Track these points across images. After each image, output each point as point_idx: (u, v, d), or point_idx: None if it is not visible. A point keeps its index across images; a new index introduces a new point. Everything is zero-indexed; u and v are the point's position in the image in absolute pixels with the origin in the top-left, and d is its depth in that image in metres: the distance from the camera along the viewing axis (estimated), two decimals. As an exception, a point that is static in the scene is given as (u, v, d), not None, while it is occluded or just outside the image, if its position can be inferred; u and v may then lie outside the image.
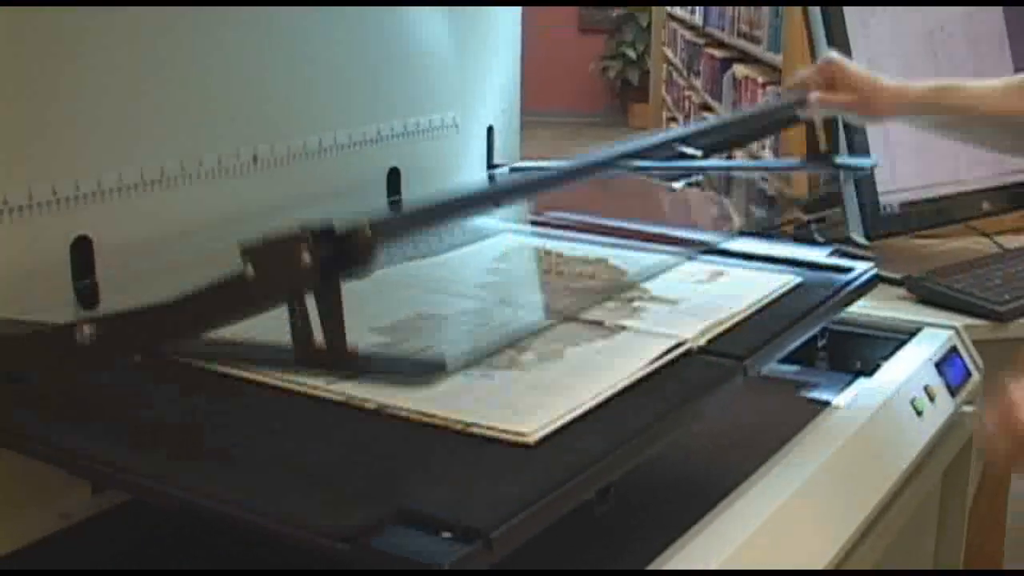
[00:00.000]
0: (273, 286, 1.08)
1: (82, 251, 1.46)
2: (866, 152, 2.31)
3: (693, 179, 1.99)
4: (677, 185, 1.94)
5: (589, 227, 2.03)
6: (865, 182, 2.35)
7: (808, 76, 1.86)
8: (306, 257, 1.05)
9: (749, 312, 1.57)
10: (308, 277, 1.06)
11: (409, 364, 1.22)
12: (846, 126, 2.21)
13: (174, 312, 1.15)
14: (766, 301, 1.62)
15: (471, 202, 1.22)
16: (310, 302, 1.09)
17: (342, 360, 1.10)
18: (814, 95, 1.82)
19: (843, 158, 2.12)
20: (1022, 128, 1.85)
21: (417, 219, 1.14)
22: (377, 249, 1.08)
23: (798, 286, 1.69)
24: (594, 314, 1.54)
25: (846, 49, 2.33)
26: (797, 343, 1.59)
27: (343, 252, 1.07)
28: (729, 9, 5.76)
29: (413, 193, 2.00)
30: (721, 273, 1.75)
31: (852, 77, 1.83)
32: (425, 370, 1.16)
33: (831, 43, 2.32)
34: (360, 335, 1.44)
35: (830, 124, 1.97)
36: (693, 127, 1.93)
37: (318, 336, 1.09)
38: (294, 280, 1.07)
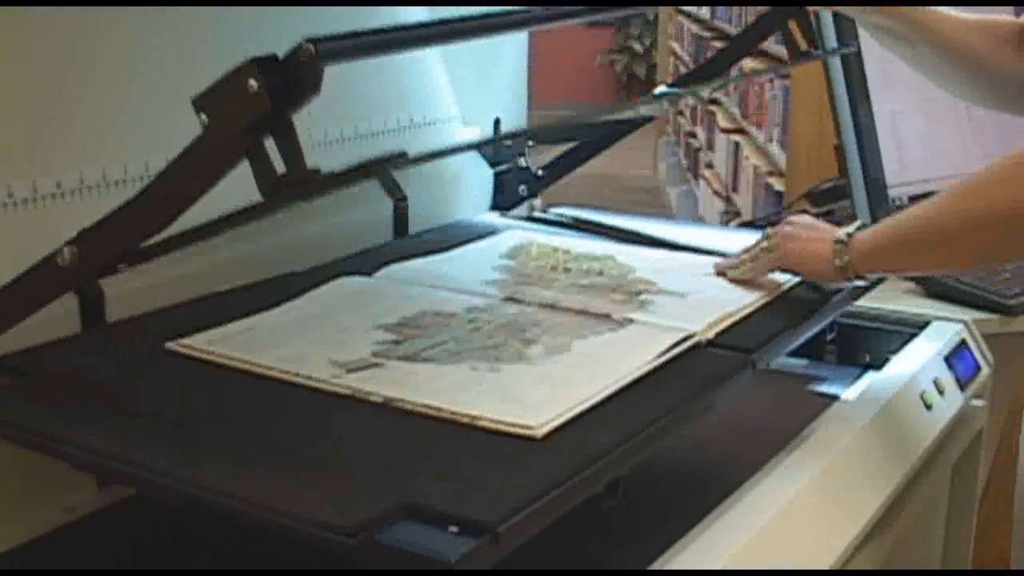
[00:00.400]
0: (228, 126, 1.09)
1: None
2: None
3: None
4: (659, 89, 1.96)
5: (596, 226, 2.03)
6: (873, 173, 2.34)
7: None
8: (253, 84, 1.05)
9: (757, 305, 1.57)
10: (259, 106, 1.07)
11: (371, 161, 1.20)
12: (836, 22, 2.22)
13: (146, 199, 1.17)
14: (775, 294, 1.61)
15: (419, 31, 1.23)
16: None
17: (305, 181, 1.10)
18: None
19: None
20: (976, 70, 1.80)
21: (361, 40, 1.14)
22: (322, 69, 1.08)
23: (801, 282, 1.68)
24: (602, 308, 1.53)
25: (855, 38, 2.32)
26: (806, 337, 1.59)
27: (290, 75, 1.07)
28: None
29: (419, 186, 1.99)
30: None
31: None
32: (387, 160, 1.16)
33: (840, 37, 2.32)
34: (368, 332, 1.44)
35: (806, 22, 1.95)
36: None
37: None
38: (246, 112, 1.08)
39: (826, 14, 2.25)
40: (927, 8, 1.77)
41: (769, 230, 1.67)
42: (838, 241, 1.57)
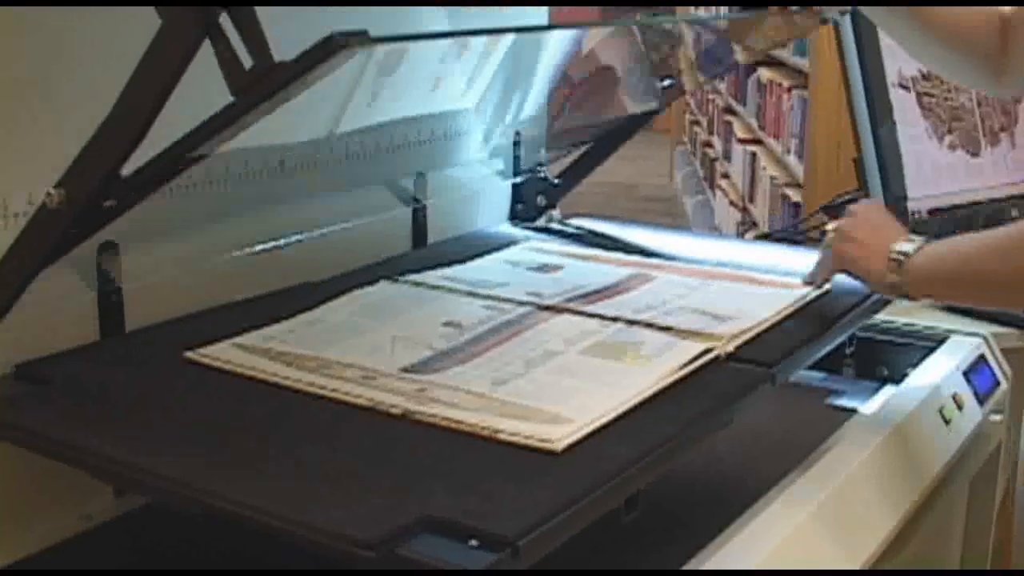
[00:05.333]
0: (186, 14, 1.08)
1: (108, 255, 1.45)
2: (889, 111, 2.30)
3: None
4: None
5: (612, 240, 2.03)
6: (893, 188, 2.34)
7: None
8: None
9: (777, 319, 1.56)
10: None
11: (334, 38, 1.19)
12: (867, 89, 2.21)
13: (117, 113, 1.17)
14: (794, 308, 1.61)
15: None
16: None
17: (270, 73, 1.10)
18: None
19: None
20: (971, 50, 1.79)
21: None
22: None
23: (825, 293, 1.67)
24: (623, 321, 1.53)
25: (875, 49, 2.32)
26: (825, 351, 1.58)
27: None
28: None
29: (439, 198, 1.99)
30: (749, 280, 1.74)
31: None
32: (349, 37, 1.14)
33: (859, 45, 2.31)
34: (390, 342, 1.45)
35: None
36: None
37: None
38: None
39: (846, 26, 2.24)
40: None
41: (832, 224, 1.66)
42: (893, 258, 1.54)
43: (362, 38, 1.11)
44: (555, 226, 2.21)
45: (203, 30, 1.09)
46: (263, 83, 1.10)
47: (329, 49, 1.09)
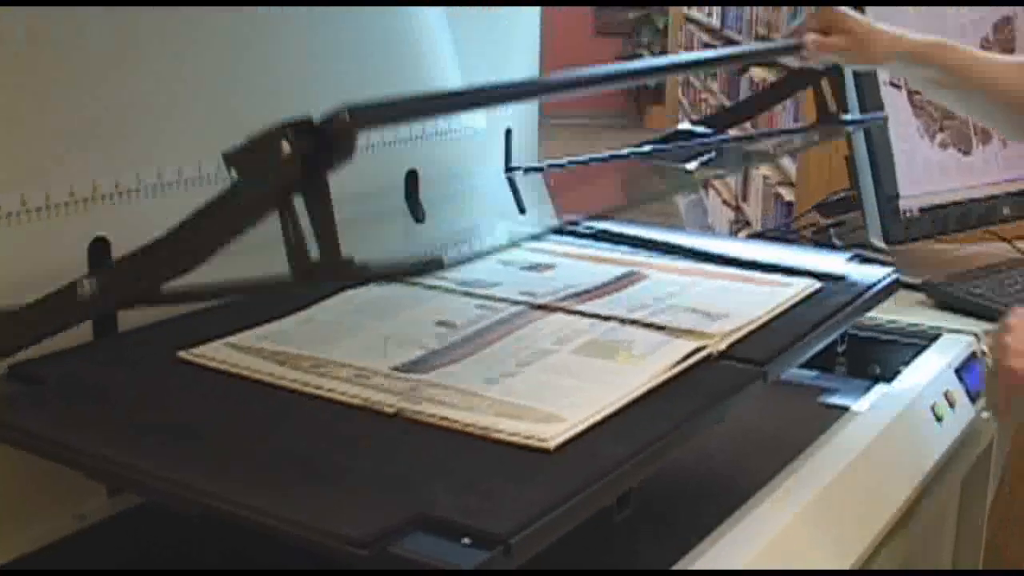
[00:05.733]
0: (258, 186, 1.07)
1: (99, 252, 1.45)
2: (880, 108, 2.31)
3: (706, 158, 1.99)
4: (691, 166, 1.95)
5: (613, 237, 2.03)
6: (885, 186, 2.34)
7: (804, 22, 1.84)
8: (286, 148, 1.04)
9: (769, 317, 1.57)
10: (291, 171, 1.05)
11: (408, 265, 1.20)
12: (858, 86, 2.21)
13: (170, 244, 1.15)
14: (786, 306, 1.61)
15: (453, 98, 1.21)
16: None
17: (339, 269, 1.09)
18: (811, 37, 1.81)
19: (854, 115, 2.11)
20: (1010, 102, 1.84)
21: (396, 107, 1.13)
22: (356, 135, 1.06)
23: (818, 291, 1.68)
24: (615, 319, 1.53)
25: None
26: (817, 348, 1.59)
27: (323, 141, 1.06)
28: (746, 12, 5.75)
29: (431, 195, 1.99)
30: (741, 279, 1.74)
31: (847, 22, 1.82)
32: (423, 268, 1.14)
33: (862, 102, 2.32)
34: (382, 341, 1.45)
35: (836, 84, 1.97)
36: (695, 56, 1.94)
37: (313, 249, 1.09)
38: (278, 176, 1.06)
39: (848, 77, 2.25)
40: (972, 55, 1.81)
41: (988, 335, 1.63)
42: None
43: (437, 261, 1.13)
44: (555, 225, 2.21)
45: (276, 207, 1.09)
46: (327, 275, 1.10)
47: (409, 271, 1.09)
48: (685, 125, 2.08)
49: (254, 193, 1.08)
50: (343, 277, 1.09)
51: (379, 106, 1.10)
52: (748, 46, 1.77)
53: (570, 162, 2.18)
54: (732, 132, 2.13)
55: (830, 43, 1.81)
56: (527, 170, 2.23)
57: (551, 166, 2.24)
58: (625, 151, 2.08)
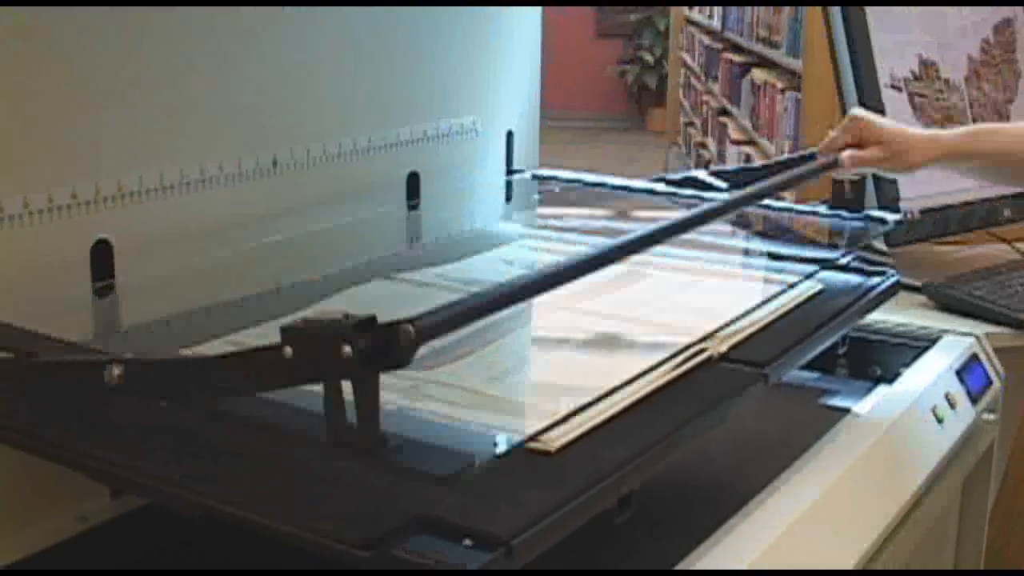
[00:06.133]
0: (310, 371, 1.06)
1: (102, 254, 1.46)
2: (880, 110, 2.31)
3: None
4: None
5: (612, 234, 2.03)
6: (886, 188, 2.34)
7: (837, 137, 1.84)
8: (347, 350, 1.03)
9: (770, 318, 1.57)
10: (347, 369, 1.05)
11: (439, 455, 1.19)
12: (858, 87, 2.22)
13: (206, 370, 1.14)
14: (788, 307, 1.61)
15: (515, 293, 1.18)
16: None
17: (375, 448, 1.08)
18: (846, 154, 1.81)
19: (872, 211, 2.09)
20: None
21: (460, 316, 1.10)
22: (416, 350, 1.05)
23: (819, 292, 1.68)
24: (615, 319, 1.54)
25: (867, 49, 2.32)
26: (818, 350, 1.59)
27: (384, 347, 1.05)
28: (748, 13, 5.75)
29: (432, 197, 2.00)
30: (742, 278, 1.75)
31: (881, 132, 1.82)
32: (451, 468, 1.12)
33: (852, 44, 2.32)
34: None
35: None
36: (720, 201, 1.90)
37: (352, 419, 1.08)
38: (332, 370, 1.05)
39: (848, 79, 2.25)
40: (1009, 133, 1.82)
41: None
42: None
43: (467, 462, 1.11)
44: (556, 223, 2.21)
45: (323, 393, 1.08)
46: (360, 443, 1.09)
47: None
48: (701, 174, 2.09)
49: (304, 374, 1.07)
50: (378, 456, 1.08)
51: (442, 315, 1.08)
52: (782, 176, 1.73)
53: (572, 180, 2.19)
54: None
55: (866, 157, 1.81)
56: (535, 177, 2.23)
57: (568, 180, 2.25)
58: (637, 184, 2.09)
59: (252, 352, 1.09)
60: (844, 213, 1.97)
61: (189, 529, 1.25)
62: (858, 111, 1.88)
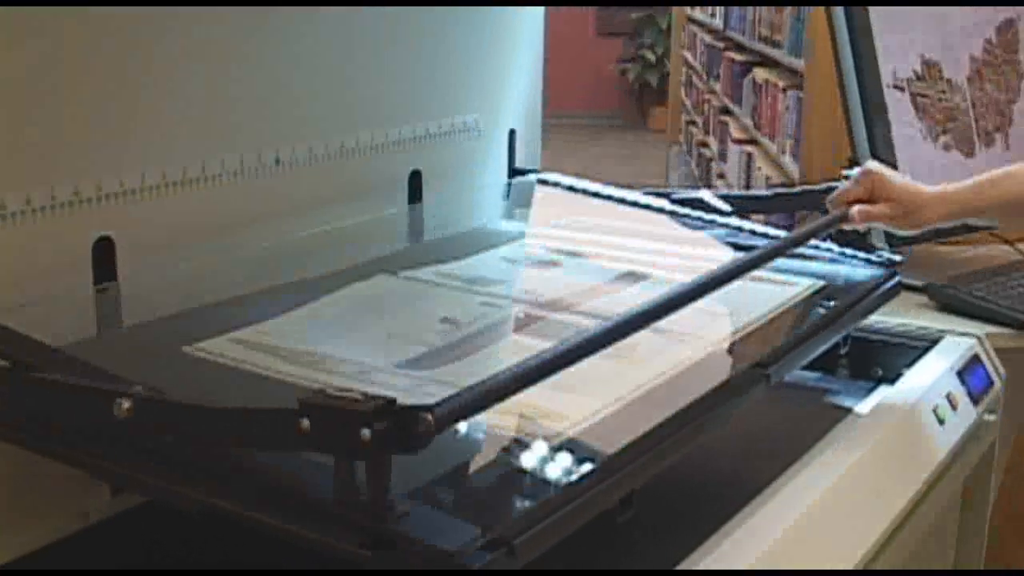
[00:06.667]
0: (325, 445, 1.05)
1: (104, 251, 1.46)
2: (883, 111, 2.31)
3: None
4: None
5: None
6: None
7: (849, 190, 1.82)
8: (365, 433, 1.01)
9: (772, 319, 1.57)
10: (362, 450, 1.02)
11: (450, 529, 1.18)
12: (861, 87, 2.22)
13: (218, 420, 1.13)
14: (789, 307, 1.61)
15: (532, 373, 1.17)
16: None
17: (381, 525, 1.05)
18: (856, 208, 1.79)
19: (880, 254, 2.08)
20: None
21: (478, 401, 1.09)
22: (434, 436, 1.02)
23: (821, 292, 1.68)
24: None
25: (870, 49, 2.32)
26: (820, 351, 1.59)
27: (400, 427, 1.02)
28: (750, 12, 5.74)
29: (434, 195, 2.00)
30: (744, 278, 1.74)
31: (892, 189, 1.79)
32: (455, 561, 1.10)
33: (855, 44, 2.31)
34: (380, 339, 1.45)
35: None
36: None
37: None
38: (348, 449, 1.04)
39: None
40: (1013, 180, 1.81)
41: None
42: None
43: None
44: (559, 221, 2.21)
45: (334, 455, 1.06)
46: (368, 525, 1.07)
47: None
48: (706, 195, 2.09)
49: (316, 446, 1.05)
50: (384, 532, 1.07)
51: (459, 402, 1.05)
52: (795, 234, 1.71)
53: (576, 188, 2.19)
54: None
55: (876, 213, 1.79)
56: (541, 182, 2.23)
57: (572, 188, 2.25)
58: (643, 199, 2.09)
59: (268, 412, 1.08)
60: (849, 252, 1.93)
61: (190, 526, 1.25)
62: (872, 165, 1.85)
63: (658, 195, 2.13)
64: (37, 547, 1.33)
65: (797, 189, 2.13)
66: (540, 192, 1.94)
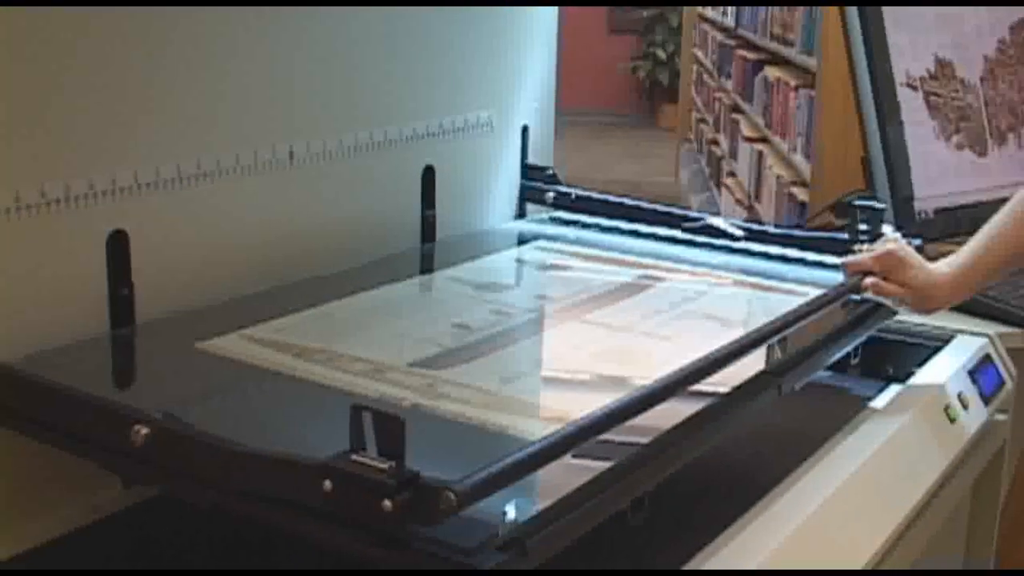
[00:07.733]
0: (345, 510, 1.04)
1: (118, 244, 1.46)
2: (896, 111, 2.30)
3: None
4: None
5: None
6: (900, 187, 2.34)
7: (866, 261, 1.80)
8: (386, 504, 1.01)
9: (784, 326, 1.56)
10: (383, 519, 1.02)
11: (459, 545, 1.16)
12: (874, 87, 2.22)
13: (232, 461, 1.13)
14: (802, 315, 1.60)
15: (554, 448, 1.16)
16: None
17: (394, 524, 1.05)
18: (869, 280, 1.78)
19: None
20: None
21: (502, 477, 1.07)
22: (456, 512, 1.01)
23: (834, 299, 1.67)
24: (629, 325, 1.53)
25: (883, 48, 2.32)
26: (832, 359, 1.58)
27: (423, 506, 1.01)
28: (761, 10, 5.73)
29: (447, 191, 2.00)
30: (755, 286, 1.74)
31: (908, 276, 1.77)
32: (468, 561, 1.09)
33: (868, 43, 2.31)
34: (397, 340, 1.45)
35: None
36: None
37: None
38: (368, 516, 1.02)
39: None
40: (1014, 235, 1.81)
41: None
42: None
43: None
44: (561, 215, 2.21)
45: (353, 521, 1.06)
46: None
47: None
48: (719, 221, 2.08)
49: (330, 512, 1.05)
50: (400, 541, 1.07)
51: (482, 477, 1.04)
52: (808, 303, 1.68)
53: (582, 195, 2.19)
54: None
55: (889, 290, 1.77)
56: (557, 196, 2.21)
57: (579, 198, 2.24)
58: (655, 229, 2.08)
59: (290, 465, 1.07)
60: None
61: (200, 520, 1.26)
62: (893, 246, 1.82)
63: (669, 215, 2.11)
64: (49, 539, 1.33)
65: (801, 233, 2.11)
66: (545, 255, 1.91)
